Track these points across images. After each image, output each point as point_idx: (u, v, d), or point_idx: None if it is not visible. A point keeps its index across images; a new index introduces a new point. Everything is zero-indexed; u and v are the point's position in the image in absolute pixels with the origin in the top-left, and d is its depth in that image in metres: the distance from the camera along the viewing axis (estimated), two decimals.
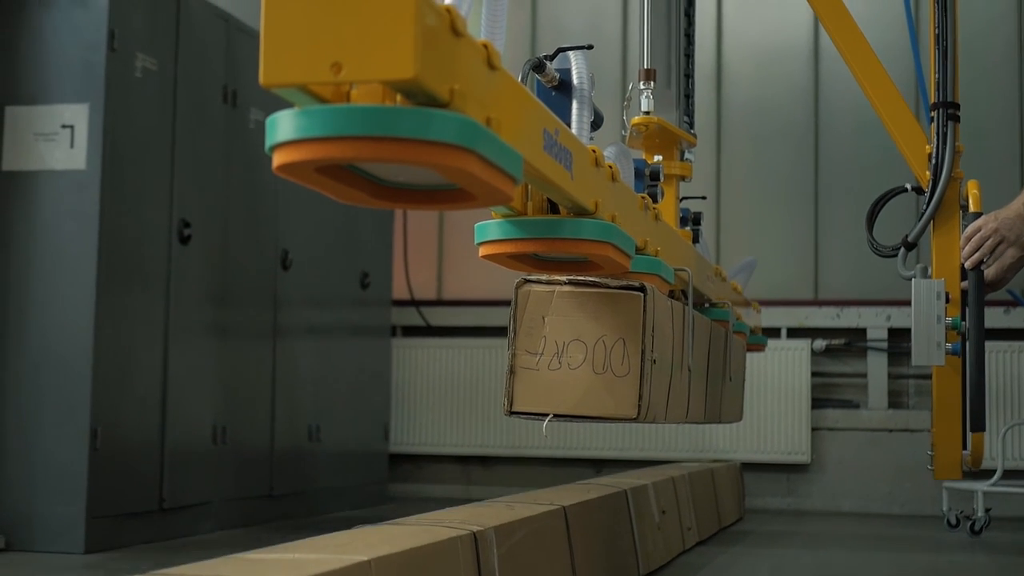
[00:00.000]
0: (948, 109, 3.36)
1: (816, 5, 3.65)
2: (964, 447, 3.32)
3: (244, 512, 4.40)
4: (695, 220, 3.26)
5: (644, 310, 2.19)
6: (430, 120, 1.23)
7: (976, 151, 4.47)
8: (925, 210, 3.39)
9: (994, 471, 4.40)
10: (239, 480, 4.37)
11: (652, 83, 2.94)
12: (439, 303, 6.04)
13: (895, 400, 5.52)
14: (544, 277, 2.22)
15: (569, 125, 1.97)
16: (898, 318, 5.43)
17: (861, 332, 5.56)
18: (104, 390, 3.66)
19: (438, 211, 5.45)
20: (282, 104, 1.25)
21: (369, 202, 1.41)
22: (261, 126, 4.34)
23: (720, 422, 3.25)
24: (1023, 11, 5.59)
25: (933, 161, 3.39)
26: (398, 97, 1.28)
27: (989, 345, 4.18)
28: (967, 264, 3.26)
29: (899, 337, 5.43)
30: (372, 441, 5.47)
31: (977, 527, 4.34)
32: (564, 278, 2.21)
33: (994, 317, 5.16)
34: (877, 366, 5.52)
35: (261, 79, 1.22)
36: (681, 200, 3.19)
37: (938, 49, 3.39)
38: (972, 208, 3.32)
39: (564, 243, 1.93)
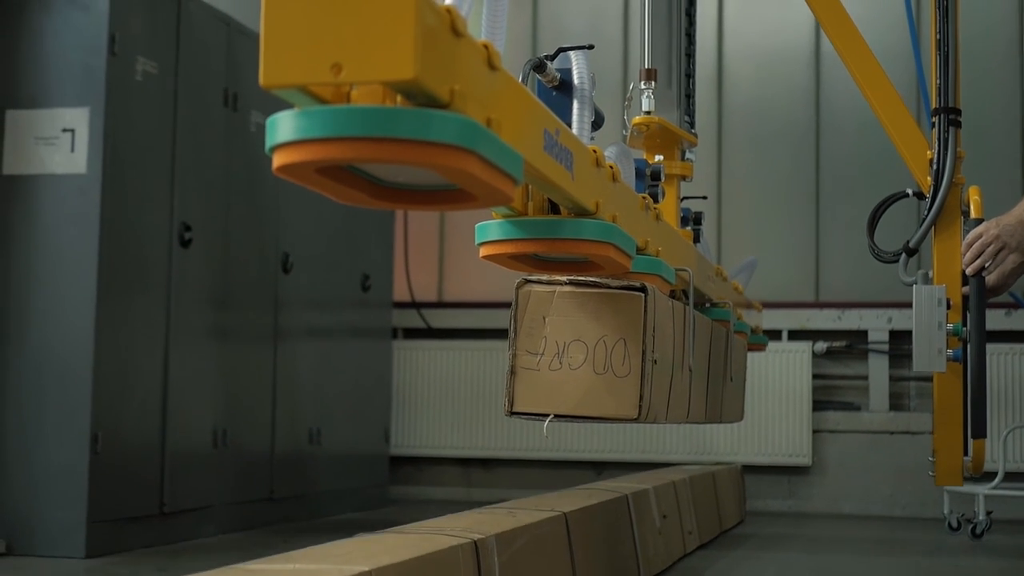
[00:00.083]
0: (949, 115, 3.36)
1: (817, 10, 3.64)
2: (965, 453, 3.31)
3: (245, 516, 4.40)
4: (696, 220, 3.26)
5: (645, 310, 2.19)
6: (430, 121, 1.23)
7: (977, 156, 4.47)
8: (926, 216, 3.39)
9: (995, 474, 4.40)
10: (240, 483, 4.37)
11: (653, 83, 2.94)
12: (440, 305, 6.04)
13: (896, 402, 5.52)
14: (545, 277, 2.22)
15: (570, 125, 1.96)
16: (899, 320, 5.43)
17: (862, 334, 5.56)
18: (105, 394, 3.66)
19: (438, 212, 5.45)
20: (283, 107, 1.25)
21: (369, 203, 1.41)
22: (262, 129, 4.34)
23: (721, 422, 3.25)
24: None
25: (934, 167, 3.38)
26: (398, 98, 1.28)
27: (990, 348, 4.17)
28: (968, 271, 3.25)
29: (900, 339, 5.43)
30: (373, 443, 5.46)
31: (978, 530, 4.33)
32: (565, 278, 2.21)
33: (995, 319, 5.16)
34: (878, 368, 5.52)
35: (261, 80, 1.21)
36: (682, 200, 3.18)
37: (939, 54, 3.39)
38: (973, 214, 3.32)
39: (565, 243, 1.93)
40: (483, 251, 1.96)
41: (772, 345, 5.46)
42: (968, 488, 4.33)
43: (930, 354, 3.15)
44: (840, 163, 5.72)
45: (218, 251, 4.25)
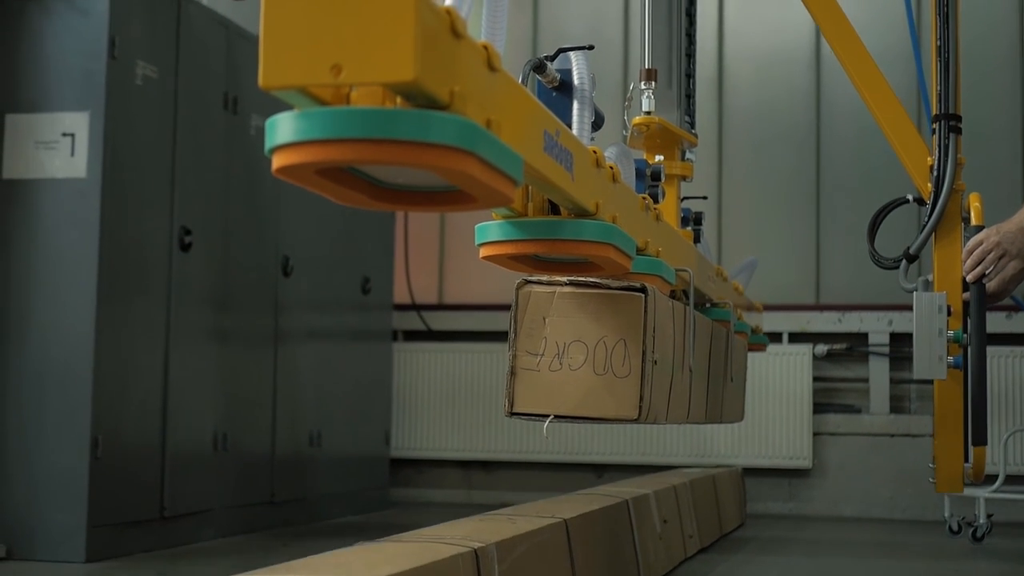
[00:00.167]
0: (950, 121, 3.36)
1: (817, 17, 3.65)
2: (966, 460, 3.31)
3: (245, 519, 4.40)
4: (696, 220, 3.26)
5: (645, 311, 2.19)
6: (430, 122, 1.23)
7: (978, 162, 4.46)
8: (927, 222, 3.39)
9: (996, 477, 4.39)
10: (240, 487, 4.36)
11: (653, 83, 2.94)
12: (440, 307, 6.04)
13: (897, 405, 5.52)
14: (545, 278, 2.22)
15: (570, 126, 1.96)
16: (900, 323, 5.43)
17: (863, 337, 5.56)
18: (105, 398, 3.66)
19: (438, 213, 5.45)
20: (283, 110, 1.25)
21: (369, 204, 1.41)
22: (262, 132, 4.33)
23: (721, 422, 3.25)
24: None
25: (935, 173, 3.38)
26: (398, 99, 1.28)
27: (990, 350, 4.17)
28: (969, 278, 3.25)
29: (901, 342, 5.43)
30: (373, 446, 5.46)
31: (979, 534, 4.33)
32: (565, 279, 2.21)
33: (996, 322, 5.16)
34: (879, 371, 5.51)
35: (261, 81, 1.21)
36: (682, 200, 3.18)
37: (940, 61, 3.39)
38: (974, 221, 3.32)
39: (565, 244, 1.93)
40: (483, 252, 1.96)
41: (772, 348, 5.46)
42: (969, 491, 4.32)
43: (931, 361, 3.15)
44: (841, 165, 5.71)
45: (218, 254, 4.25)
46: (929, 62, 3.54)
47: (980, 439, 3.17)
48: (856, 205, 5.59)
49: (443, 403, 5.83)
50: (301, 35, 1.20)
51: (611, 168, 2.03)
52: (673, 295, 2.57)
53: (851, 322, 5.55)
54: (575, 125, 1.99)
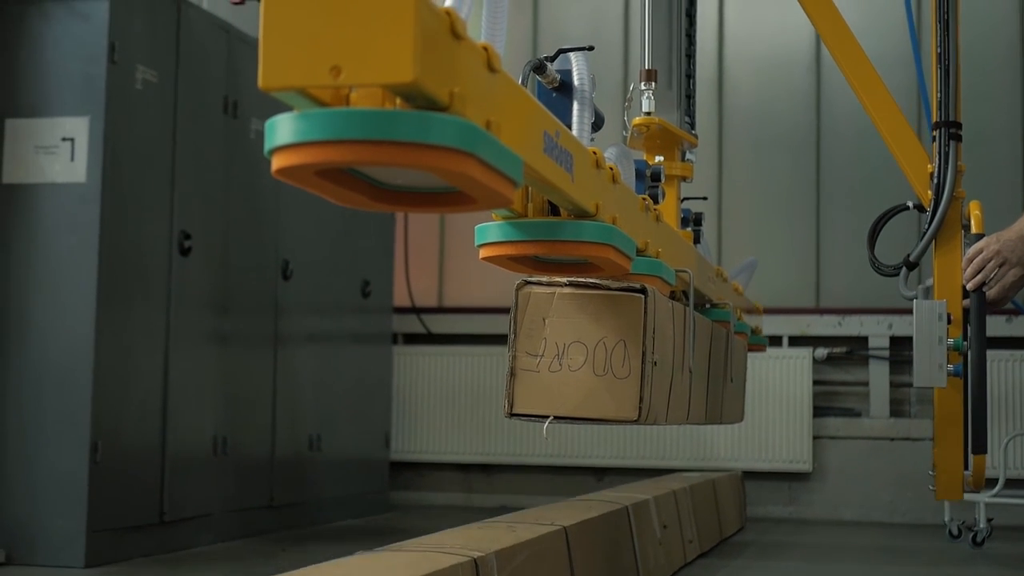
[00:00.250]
0: (950, 129, 3.36)
1: (818, 24, 3.65)
2: (966, 467, 3.31)
3: (244, 523, 4.40)
4: (696, 221, 3.25)
5: (645, 312, 2.18)
6: (429, 124, 1.22)
7: (978, 168, 4.46)
8: (927, 230, 3.39)
9: (996, 481, 4.39)
10: (239, 491, 4.36)
11: (653, 84, 2.93)
12: (440, 310, 6.04)
13: (897, 409, 5.52)
14: (545, 279, 2.22)
15: (570, 126, 1.96)
16: (900, 326, 5.43)
17: (863, 340, 5.55)
18: (105, 403, 3.66)
19: (438, 214, 5.44)
20: (283, 112, 1.25)
21: (368, 205, 1.40)
22: (262, 136, 4.31)
23: (721, 423, 3.25)
24: None
25: (935, 181, 3.38)
26: (397, 100, 1.28)
27: (991, 354, 4.17)
28: (969, 286, 3.25)
29: (901, 345, 5.42)
30: (373, 449, 5.46)
31: (979, 538, 4.32)
32: (565, 280, 2.21)
33: (996, 326, 5.15)
34: (879, 374, 5.51)
35: (260, 82, 1.21)
36: (682, 201, 3.18)
37: (940, 68, 3.39)
38: (974, 229, 3.31)
39: (565, 245, 1.93)
40: (483, 253, 1.96)
41: (772, 351, 5.46)
42: (969, 496, 4.32)
43: (931, 369, 3.15)
44: (841, 168, 5.72)
45: (218, 259, 4.24)
46: (929, 66, 3.54)
47: (980, 447, 3.17)
48: (856, 208, 5.59)
49: (443, 406, 5.83)
50: (301, 36, 1.20)
51: (611, 169, 2.03)
52: (673, 296, 2.57)
53: (851, 326, 5.55)
54: (575, 126, 1.99)
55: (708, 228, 4.34)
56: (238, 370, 4.38)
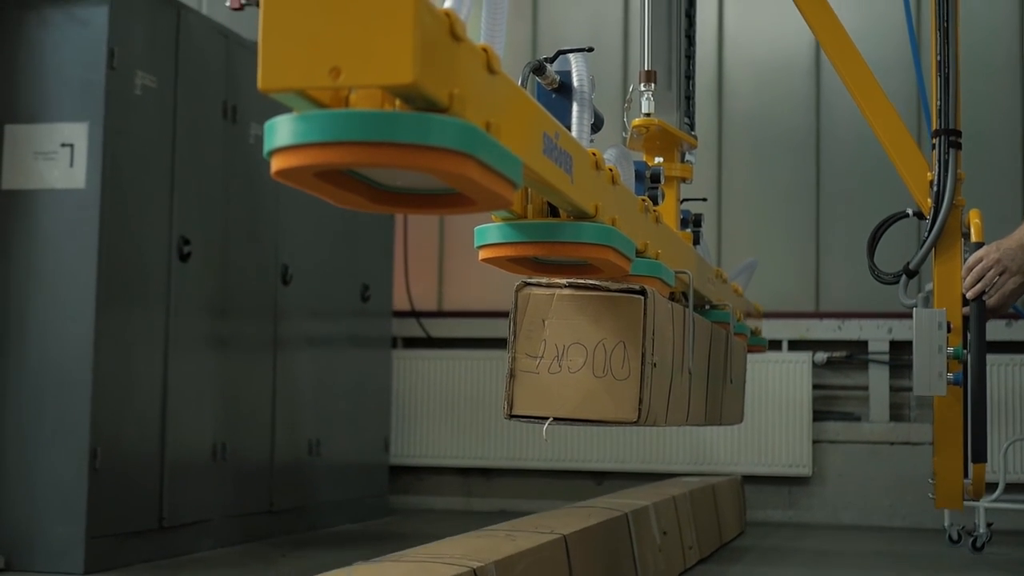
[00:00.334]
0: (950, 136, 3.35)
1: (818, 34, 3.65)
2: (965, 475, 3.31)
3: (244, 528, 4.40)
4: (696, 222, 3.25)
5: (644, 313, 2.18)
6: (429, 125, 1.22)
7: (977, 175, 4.46)
8: (927, 238, 3.38)
9: (996, 485, 4.39)
10: (239, 496, 4.36)
11: (653, 85, 2.93)
12: (439, 314, 6.03)
13: (896, 413, 5.51)
14: (544, 280, 2.21)
15: (569, 128, 1.96)
16: (899, 331, 5.42)
17: (863, 344, 5.55)
18: (104, 409, 3.66)
19: (437, 215, 5.44)
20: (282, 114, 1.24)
21: (368, 207, 1.40)
22: (261, 141, 4.33)
23: (720, 424, 3.25)
24: None
25: (935, 189, 3.38)
26: (397, 102, 1.28)
27: (991, 358, 4.17)
28: (969, 295, 3.25)
29: (901, 349, 5.42)
30: (372, 453, 5.46)
31: (979, 543, 4.32)
32: (564, 281, 2.21)
33: (996, 330, 5.15)
34: (878, 378, 5.51)
35: (260, 84, 1.21)
36: (682, 202, 3.18)
37: (940, 76, 3.38)
38: (974, 238, 3.31)
39: (564, 247, 1.93)
40: (482, 254, 1.96)
41: (772, 355, 5.46)
42: (969, 502, 4.32)
43: (931, 378, 3.14)
44: (841, 172, 5.71)
45: (217, 264, 4.24)
46: (929, 71, 3.53)
47: (980, 456, 3.17)
48: (856, 212, 5.59)
49: (442, 410, 5.82)
50: (300, 37, 1.20)
51: (610, 170, 2.03)
52: (672, 297, 2.57)
53: (851, 330, 5.55)
54: (574, 127, 1.99)
55: (708, 232, 4.33)
56: (238, 376, 4.38)
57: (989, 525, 4.34)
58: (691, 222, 3.23)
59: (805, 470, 5.46)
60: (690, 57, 3.25)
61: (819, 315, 5.62)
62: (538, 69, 2.00)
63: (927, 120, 3.53)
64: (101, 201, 3.67)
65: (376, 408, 5.51)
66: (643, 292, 2.20)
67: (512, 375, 2.21)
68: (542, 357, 2.20)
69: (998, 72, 5.56)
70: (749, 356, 4.00)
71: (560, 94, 2.05)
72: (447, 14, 1.28)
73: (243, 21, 4.53)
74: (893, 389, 5.50)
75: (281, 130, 1.24)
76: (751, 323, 4.01)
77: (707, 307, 3.13)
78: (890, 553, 4.55)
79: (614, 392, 2.16)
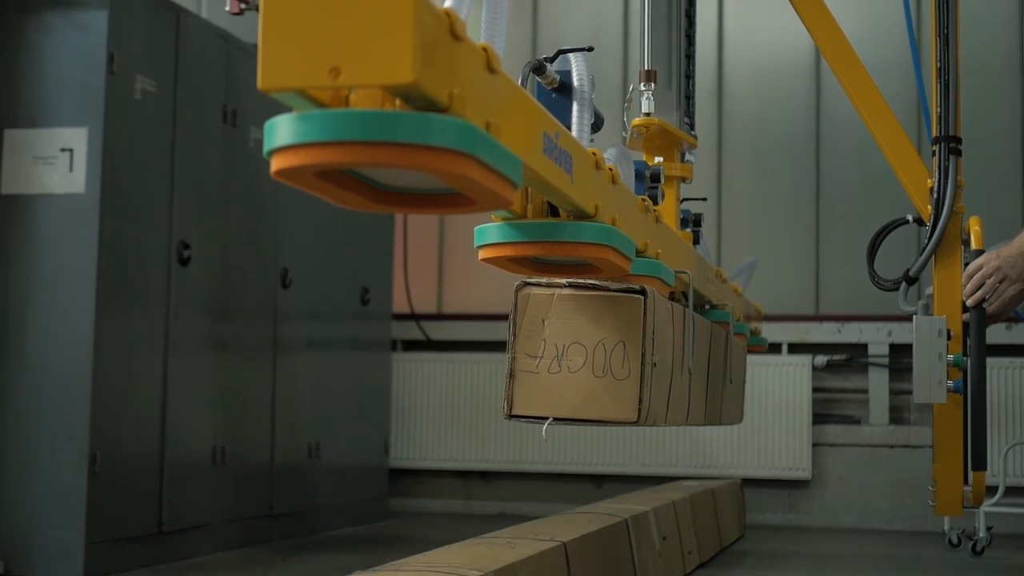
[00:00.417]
0: (950, 143, 3.35)
1: (818, 39, 3.64)
2: (966, 482, 3.31)
3: (244, 532, 4.39)
4: (696, 222, 3.25)
5: (644, 313, 2.18)
6: (429, 125, 1.22)
7: (977, 181, 4.45)
8: (926, 245, 3.38)
9: (996, 489, 4.38)
10: (238, 500, 4.36)
11: (653, 84, 2.92)
12: (439, 317, 6.03)
13: (896, 416, 5.51)
14: (544, 280, 2.21)
15: (569, 127, 1.96)
16: (899, 334, 5.42)
17: (862, 347, 5.55)
18: (103, 414, 3.65)
19: (437, 215, 5.44)
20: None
21: (368, 206, 1.40)
22: (261, 145, 4.31)
23: (720, 424, 3.24)
24: None
25: (935, 195, 3.38)
26: (397, 101, 1.28)
27: (991, 361, 4.18)
28: (969, 302, 3.24)
29: (900, 353, 5.42)
30: (372, 456, 5.46)
31: (979, 547, 4.32)
32: (564, 281, 2.21)
33: (996, 333, 5.15)
34: (878, 382, 5.51)
35: (259, 83, 1.21)
36: (681, 201, 3.17)
37: (940, 83, 3.38)
38: (974, 245, 3.30)
39: (564, 246, 1.92)
40: (482, 254, 1.96)
41: (772, 358, 5.46)
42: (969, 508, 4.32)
43: (931, 386, 3.14)
44: (840, 175, 5.71)
45: (217, 268, 4.24)
46: (929, 75, 3.53)
47: (980, 464, 3.17)
48: (856, 215, 5.59)
49: (442, 413, 5.82)
50: (300, 37, 1.20)
51: (610, 170, 2.03)
52: (672, 297, 2.56)
53: (850, 333, 5.55)
54: (574, 127, 1.99)
55: (708, 232, 4.33)
56: (237, 380, 4.38)
57: (989, 529, 4.34)
58: (691, 222, 3.22)
59: (805, 473, 5.46)
60: (690, 57, 3.24)
61: (819, 318, 5.62)
62: (538, 69, 2.00)
63: (927, 123, 3.52)
64: (101, 206, 3.66)
65: (376, 411, 5.51)
66: (643, 292, 2.20)
67: (512, 375, 2.20)
68: (542, 357, 2.20)
69: (998, 78, 5.55)
70: (749, 359, 4.00)
71: (560, 94, 2.05)
72: (447, 13, 1.28)
73: (242, 25, 4.53)
74: (893, 392, 5.50)
75: (281, 130, 1.24)
76: (751, 322, 4.00)
77: (707, 307, 3.13)
78: (890, 557, 4.55)
79: (614, 392, 2.16)
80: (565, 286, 2.21)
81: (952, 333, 3.23)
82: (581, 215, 1.90)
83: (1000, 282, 3.18)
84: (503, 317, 2.25)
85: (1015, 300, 3.21)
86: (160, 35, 3.96)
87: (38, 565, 3.60)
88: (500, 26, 1.47)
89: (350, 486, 5.23)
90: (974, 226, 3.33)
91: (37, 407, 3.66)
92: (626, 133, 2.98)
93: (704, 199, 3.63)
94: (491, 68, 1.40)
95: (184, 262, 4.02)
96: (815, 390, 5.53)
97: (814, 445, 5.50)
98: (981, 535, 4.33)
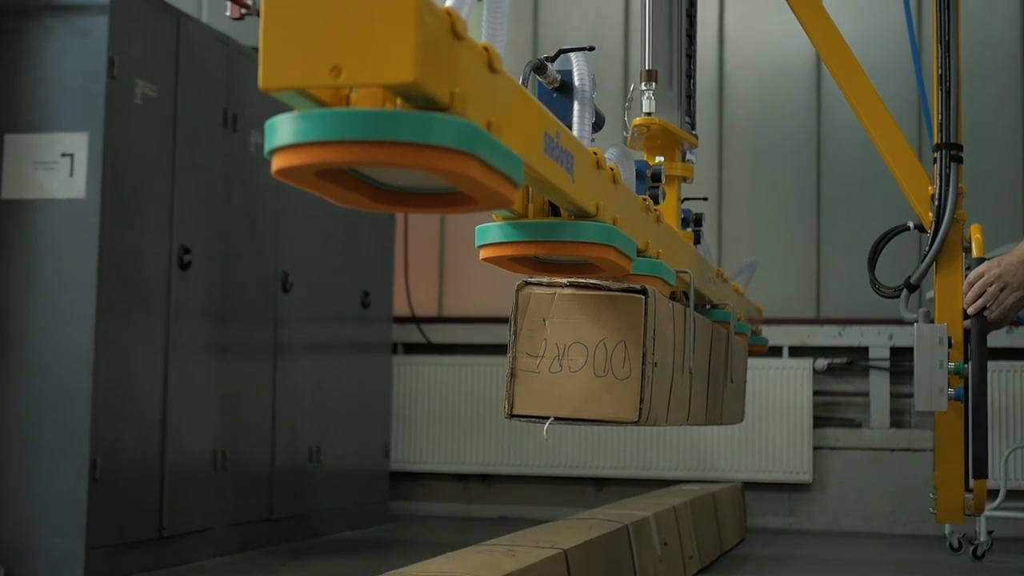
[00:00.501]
0: (951, 150, 3.34)
1: (818, 44, 3.64)
2: (967, 489, 3.30)
3: (244, 537, 4.39)
4: (696, 221, 3.24)
5: (645, 313, 2.18)
6: (430, 124, 1.22)
7: (978, 187, 4.45)
8: (928, 252, 3.38)
9: (996, 492, 4.38)
10: (239, 504, 4.36)
11: (653, 84, 2.92)
12: (440, 320, 6.03)
13: (897, 419, 5.51)
14: (545, 280, 2.21)
15: (570, 127, 1.96)
16: (900, 337, 5.42)
17: (863, 351, 5.55)
18: (104, 419, 3.65)
19: (438, 214, 5.43)
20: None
21: (369, 206, 1.40)
22: (261, 149, 4.32)
23: (721, 423, 3.24)
24: None
25: (936, 203, 3.37)
26: (398, 100, 1.27)
27: (991, 364, 4.17)
28: (970, 311, 3.24)
29: (901, 356, 5.42)
30: (373, 459, 5.45)
31: (980, 551, 4.32)
32: (565, 280, 2.20)
33: (996, 337, 5.11)
34: (879, 385, 5.50)
35: (260, 83, 1.21)
36: (682, 201, 3.17)
37: (941, 90, 3.38)
38: (975, 253, 3.30)
39: (565, 246, 1.92)
40: (483, 253, 1.96)
41: (773, 361, 5.45)
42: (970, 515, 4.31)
43: (932, 394, 3.13)
44: (841, 177, 5.71)
45: (217, 273, 4.24)
46: (930, 80, 3.52)
47: (981, 472, 3.16)
48: (857, 217, 5.59)
49: (443, 416, 5.82)
50: (301, 36, 1.19)
51: (611, 169, 2.02)
52: (673, 296, 2.56)
53: (851, 336, 5.54)
54: (575, 126, 1.99)
55: (709, 232, 4.32)
56: (238, 384, 4.37)
57: (990, 533, 4.34)
58: (692, 221, 3.22)
59: (806, 477, 5.46)
60: (691, 56, 3.24)
61: (820, 321, 5.61)
62: (539, 68, 2.00)
63: (928, 127, 3.52)
64: (101, 210, 3.66)
65: (376, 414, 5.51)
66: (644, 291, 2.20)
67: (513, 375, 2.20)
68: (543, 356, 2.19)
69: (999, 80, 5.55)
70: (750, 362, 3.99)
71: (561, 93, 2.04)
72: (448, 13, 1.28)
73: (243, 29, 4.53)
74: (894, 395, 5.50)
75: (282, 129, 1.23)
76: (751, 322, 4.00)
77: (708, 306, 3.13)
78: (891, 560, 4.55)
79: (615, 392, 2.16)
80: (566, 286, 2.21)
81: (953, 341, 3.23)
82: (582, 215, 1.90)
83: (1001, 290, 3.18)
84: (504, 320, 2.25)
85: (1016, 308, 3.20)
86: (160, 40, 3.96)
87: (39, 570, 3.59)
88: (501, 25, 1.47)
89: (351, 490, 5.23)
90: (975, 234, 3.33)
91: (38, 412, 3.65)
92: (627, 133, 2.98)
93: (705, 199, 3.62)
94: (492, 67, 1.40)
95: (184, 266, 4.02)
96: (816, 393, 5.53)
97: (815, 448, 5.49)
98: (982, 539, 4.32)
